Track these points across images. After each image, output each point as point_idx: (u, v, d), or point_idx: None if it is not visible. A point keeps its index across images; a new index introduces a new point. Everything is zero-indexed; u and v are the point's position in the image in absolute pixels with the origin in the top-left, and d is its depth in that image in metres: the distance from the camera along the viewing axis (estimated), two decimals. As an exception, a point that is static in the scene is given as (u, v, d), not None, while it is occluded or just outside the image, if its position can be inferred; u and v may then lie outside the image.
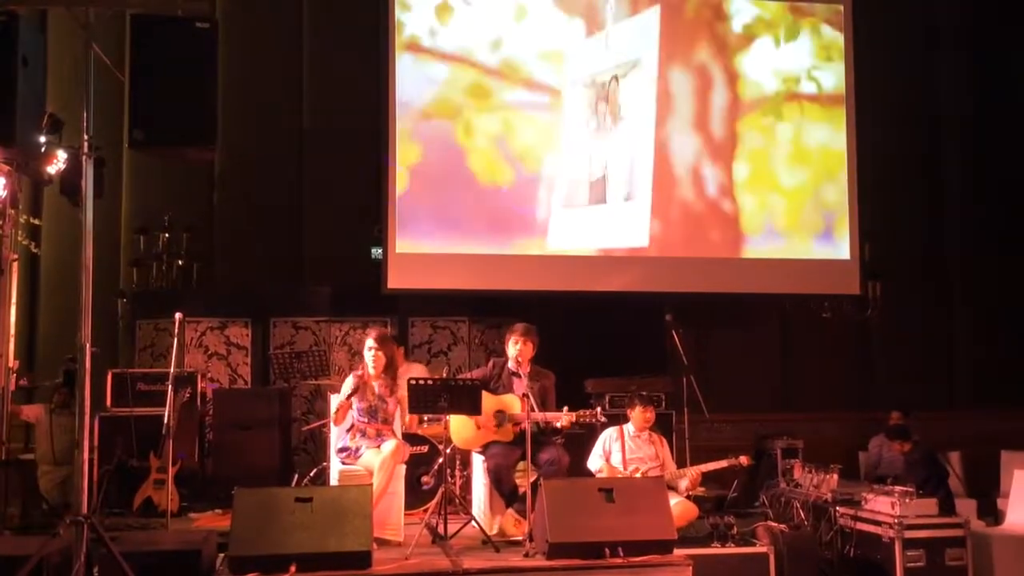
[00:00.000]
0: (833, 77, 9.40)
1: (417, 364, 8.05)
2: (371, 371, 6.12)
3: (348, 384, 6.09)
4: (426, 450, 7.17)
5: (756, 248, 9.11)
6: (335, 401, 6.12)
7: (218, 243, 9.53)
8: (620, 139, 8.94)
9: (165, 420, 6.41)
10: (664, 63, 9.02)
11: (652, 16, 9.02)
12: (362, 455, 5.98)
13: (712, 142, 9.11)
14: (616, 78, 8.92)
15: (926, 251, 10.37)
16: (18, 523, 6.95)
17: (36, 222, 8.66)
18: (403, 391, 6.06)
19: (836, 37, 9.43)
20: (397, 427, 6.30)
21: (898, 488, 6.24)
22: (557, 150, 8.82)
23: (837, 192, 9.32)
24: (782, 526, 6.27)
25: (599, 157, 8.90)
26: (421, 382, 5.92)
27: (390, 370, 6.21)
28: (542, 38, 8.89)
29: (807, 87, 9.35)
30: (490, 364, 6.52)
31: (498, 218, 8.71)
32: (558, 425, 6.09)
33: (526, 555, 5.44)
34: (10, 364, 6.77)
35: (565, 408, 6.06)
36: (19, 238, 8.08)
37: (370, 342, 6.15)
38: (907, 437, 7.75)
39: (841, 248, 9.26)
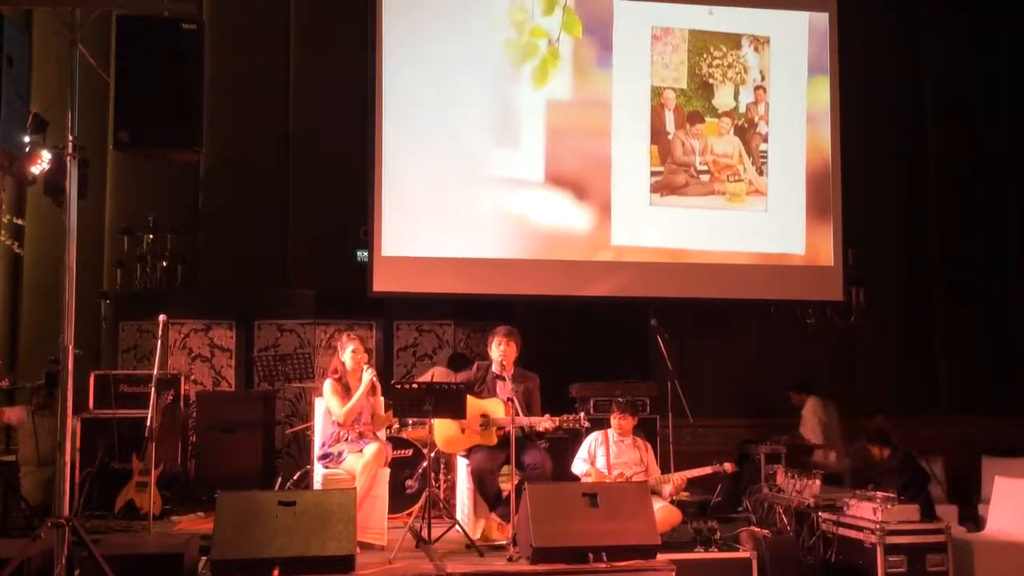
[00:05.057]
0: (816, 88, 9.40)
1: (440, 368, 8.01)
2: (349, 368, 6.15)
3: (329, 387, 6.11)
4: (410, 454, 7.17)
5: (738, 254, 9.13)
6: (327, 405, 6.13)
7: (202, 245, 9.48)
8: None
9: (148, 422, 6.38)
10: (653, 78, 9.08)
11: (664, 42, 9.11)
12: (344, 460, 5.97)
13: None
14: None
15: (909, 257, 10.42)
16: (-1, 525, 6.91)
17: (19, 222, 8.63)
18: (378, 391, 6.19)
19: (818, 50, 9.44)
20: (381, 433, 6.31)
21: (880, 493, 6.28)
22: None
23: (817, 201, 9.33)
24: (765, 531, 6.30)
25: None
26: (405, 386, 5.92)
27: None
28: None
29: (787, 97, 9.34)
30: (475, 368, 6.51)
31: (484, 222, 8.70)
32: (541, 429, 6.09)
33: (510, 559, 5.45)
34: (-8, 365, 6.75)
35: (546, 415, 6.04)
36: (2, 238, 8.06)
37: (354, 344, 6.20)
38: (887, 442, 7.78)
39: (820, 255, 9.29)
